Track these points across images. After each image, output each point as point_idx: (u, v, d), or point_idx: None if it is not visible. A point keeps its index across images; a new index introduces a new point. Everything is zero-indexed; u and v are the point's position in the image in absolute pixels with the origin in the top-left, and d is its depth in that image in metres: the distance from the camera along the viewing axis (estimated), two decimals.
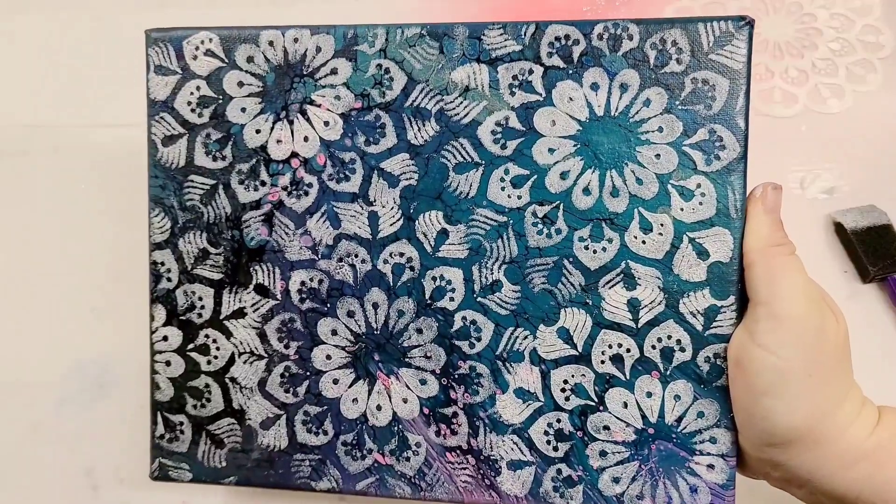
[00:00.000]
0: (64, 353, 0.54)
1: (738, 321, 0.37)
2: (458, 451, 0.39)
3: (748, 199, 0.37)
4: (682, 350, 0.37)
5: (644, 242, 0.37)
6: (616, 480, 0.38)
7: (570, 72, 0.37)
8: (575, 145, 0.37)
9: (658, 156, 0.37)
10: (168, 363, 0.41)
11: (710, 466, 0.37)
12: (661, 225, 0.37)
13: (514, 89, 0.38)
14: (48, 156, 0.57)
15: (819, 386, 0.34)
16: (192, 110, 0.41)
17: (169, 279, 0.41)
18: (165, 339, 0.41)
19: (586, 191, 0.37)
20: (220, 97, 0.40)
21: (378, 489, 0.40)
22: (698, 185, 0.37)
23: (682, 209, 0.37)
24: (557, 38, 0.38)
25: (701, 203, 0.37)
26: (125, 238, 0.53)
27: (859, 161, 0.53)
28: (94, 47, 0.59)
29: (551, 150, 0.38)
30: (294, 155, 0.40)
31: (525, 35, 0.38)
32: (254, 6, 0.59)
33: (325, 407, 0.40)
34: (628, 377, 0.38)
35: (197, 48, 0.40)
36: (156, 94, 0.41)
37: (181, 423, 0.41)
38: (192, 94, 0.41)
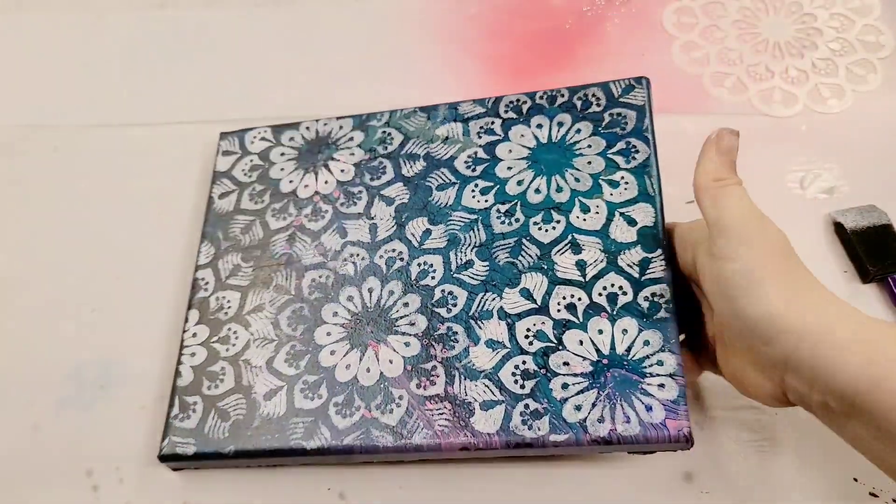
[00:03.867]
0: (64, 353, 0.53)
1: (667, 266, 0.44)
2: (436, 399, 0.43)
3: (705, 143, 0.40)
4: (625, 294, 0.44)
5: (585, 220, 0.46)
6: (578, 408, 0.41)
7: (521, 120, 0.51)
8: (527, 163, 0.49)
9: (590, 162, 0.48)
10: (193, 354, 0.48)
11: (661, 385, 0.41)
12: (597, 206, 0.47)
13: (481, 134, 0.51)
14: (48, 156, 0.57)
15: (778, 274, 0.37)
16: (245, 174, 0.54)
17: (206, 290, 0.50)
18: (195, 335, 0.49)
19: (537, 191, 0.48)
20: (266, 163, 0.54)
21: (363, 441, 0.43)
22: (622, 178, 0.47)
23: (611, 194, 0.47)
24: (511, 102, 0.52)
25: (626, 188, 0.47)
26: (126, 238, 0.56)
27: (859, 161, 0.53)
28: (94, 47, 0.59)
29: (509, 168, 0.50)
30: (316, 193, 0.52)
31: (488, 103, 0.53)
32: (253, 5, 0.62)
33: (322, 374, 0.46)
34: (581, 320, 0.43)
35: (255, 137, 0.56)
36: (220, 168, 0.55)
37: (195, 403, 0.46)
38: (246, 164, 0.55)
